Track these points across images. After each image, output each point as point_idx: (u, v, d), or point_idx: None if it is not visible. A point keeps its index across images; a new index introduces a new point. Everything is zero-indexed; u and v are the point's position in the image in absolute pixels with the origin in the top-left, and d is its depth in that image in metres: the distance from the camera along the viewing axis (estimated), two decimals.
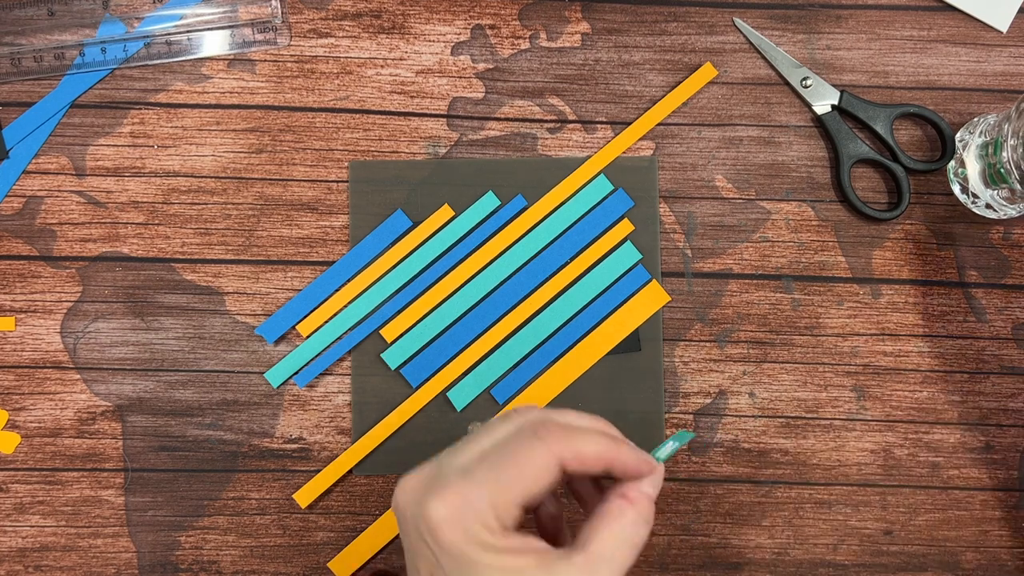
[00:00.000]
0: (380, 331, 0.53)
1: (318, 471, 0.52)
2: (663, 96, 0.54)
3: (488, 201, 0.53)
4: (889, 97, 0.54)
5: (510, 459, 0.34)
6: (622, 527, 0.34)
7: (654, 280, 0.53)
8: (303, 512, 0.52)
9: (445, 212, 0.53)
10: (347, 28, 0.54)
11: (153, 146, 0.54)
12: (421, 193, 0.53)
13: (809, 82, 0.53)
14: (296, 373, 0.53)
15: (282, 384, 0.53)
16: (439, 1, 0.55)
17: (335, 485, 0.52)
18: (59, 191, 0.54)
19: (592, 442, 0.35)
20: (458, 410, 0.52)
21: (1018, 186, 0.48)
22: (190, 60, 0.54)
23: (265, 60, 0.54)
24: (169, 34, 0.54)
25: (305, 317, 0.53)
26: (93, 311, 0.53)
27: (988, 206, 0.52)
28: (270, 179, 0.54)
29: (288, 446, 0.53)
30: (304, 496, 0.52)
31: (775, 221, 0.53)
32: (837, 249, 0.53)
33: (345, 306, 0.53)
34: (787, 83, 0.54)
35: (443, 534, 0.33)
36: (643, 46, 0.54)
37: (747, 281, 0.53)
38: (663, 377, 0.52)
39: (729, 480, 0.52)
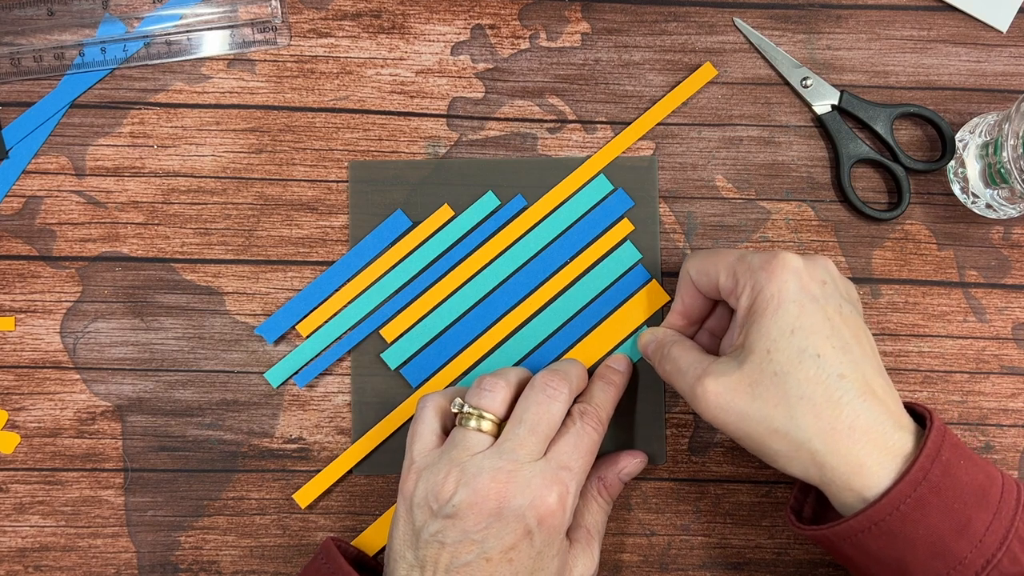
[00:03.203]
0: (380, 331, 0.53)
1: (318, 471, 0.52)
2: (663, 96, 0.54)
3: (488, 201, 0.53)
4: (889, 97, 0.54)
5: (577, 446, 0.45)
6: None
7: (654, 280, 0.53)
8: (303, 512, 0.52)
9: (445, 212, 0.53)
10: (347, 28, 0.54)
11: (153, 146, 0.54)
12: (421, 193, 0.53)
13: (809, 82, 0.53)
14: (296, 373, 0.53)
15: (282, 384, 0.53)
16: (439, 1, 0.55)
17: (335, 485, 0.52)
18: (59, 191, 0.54)
19: (578, 379, 0.48)
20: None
21: (1018, 186, 0.48)
22: (190, 60, 0.54)
23: (265, 60, 0.54)
24: (169, 34, 0.54)
25: (305, 317, 0.53)
26: (93, 311, 0.53)
27: (988, 206, 0.52)
28: (270, 179, 0.54)
29: (288, 446, 0.53)
30: (304, 496, 0.52)
31: (775, 221, 0.53)
32: (837, 249, 0.53)
33: (345, 306, 0.53)
34: (787, 83, 0.54)
35: (555, 517, 0.43)
36: (643, 46, 0.54)
37: None
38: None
39: (729, 480, 0.52)
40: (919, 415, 0.43)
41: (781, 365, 0.41)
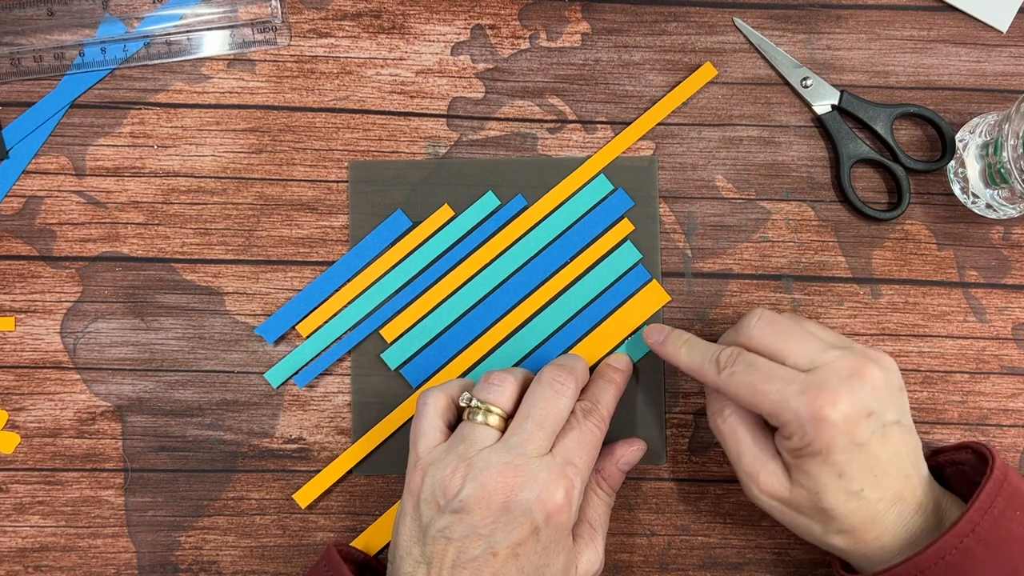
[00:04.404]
0: (380, 331, 0.53)
1: (318, 471, 0.52)
2: (663, 96, 0.54)
3: (488, 201, 0.53)
4: (889, 97, 0.54)
5: (583, 440, 0.45)
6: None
7: (654, 280, 0.53)
8: (303, 512, 0.52)
9: (445, 212, 0.53)
10: (347, 28, 0.54)
11: (153, 146, 0.54)
12: (421, 193, 0.53)
13: (809, 82, 0.53)
14: (296, 373, 0.53)
15: (282, 384, 0.53)
16: (439, 1, 0.55)
17: (335, 485, 0.52)
18: (59, 191, 0.54)
19: (583, 374, 0.48)
20: None
21: (1018, 186, 0.48)
22: (190, 60, 0.54)
23: (265, 60, 0.54)
24: (169, 34, 0.54)
25: (305, 317, 0.53)
26: (93, 311, 0.53)
27: (988, 206, 0.52)
28: (270, 179, 0.54)
29: (288, 446, 0.53)
30: (304, 496, 0.52)
31: (775, 221, 0.53)
32: (837, 249, 0.53)
33: (345, 306, 0.53)
34: (787, 83, 0.54)
35: (562, 513, 0.43)
36: (643, 46, 0.54)
37: (747, 281, 0.53)
38: (663, 377, 0.52)
39: (729, 480, 0.52)
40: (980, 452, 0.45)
41: (828, 503, 0.43)
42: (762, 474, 0.44)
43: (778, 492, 0.44)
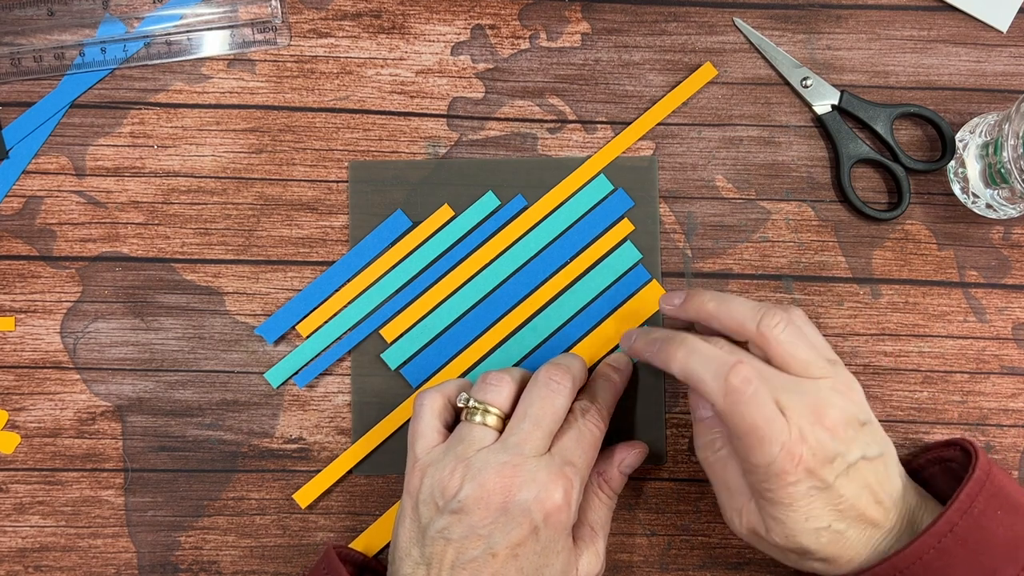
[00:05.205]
0: (380, 331, 0.53)
1: (318, 471, 0.52)
2: (663, 96, 0.54)
3: (488, 201, 0.53)
4: (889, 97, 0.54)
5: (582, 439, 0.45)
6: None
7: (654, 280, 0.53)
8: (303, 512, 0.52)
9: (445, 212, 0.53)
10: (347, 28, 0.54)
11: (153, 146, 0.54)
12: (421, 193, 0.53)
13: (809, 82, 0.53)
14: (296, 373, 0.53)
15: (282, 384, 0.53)
16: (439, 1, 0.55)
17: (335, 485, 0.52)
18: (59, 191, 0.54)
19: (580, 373, 0.48)
20: None
21: (1018, 186, 0.48)
22: (190, 60, 0.54)
23: (265, 60, 0.54)
24: (169, 34, 0.54)
25: (305, 317, 0.53)
26: (93, 311, 0.53)
27: (988, 206, 0.52)
28: (270, 179, 0.54)
29: (288, 446, 0.53)
30: (304, 496, 0.52)
31: (775, 221, 0.53)
32: (837, 249, 0.53)
33: (345, 306, 0.53)
34: (787, 83, 0.54)
35: (561, 513, 0.43)
36: (643, 46, 0.54)
37: (747, 281, 0.53)
38: (663, 377, 0.52)
39: None
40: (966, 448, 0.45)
41: (801, 543, 0.42)
42: (745, 511, 0.44)
43: (759, 531, 0.44)
